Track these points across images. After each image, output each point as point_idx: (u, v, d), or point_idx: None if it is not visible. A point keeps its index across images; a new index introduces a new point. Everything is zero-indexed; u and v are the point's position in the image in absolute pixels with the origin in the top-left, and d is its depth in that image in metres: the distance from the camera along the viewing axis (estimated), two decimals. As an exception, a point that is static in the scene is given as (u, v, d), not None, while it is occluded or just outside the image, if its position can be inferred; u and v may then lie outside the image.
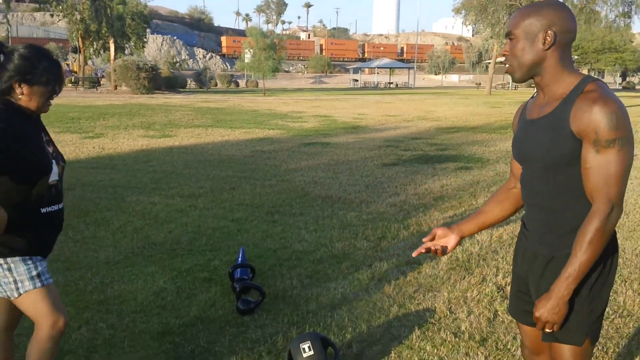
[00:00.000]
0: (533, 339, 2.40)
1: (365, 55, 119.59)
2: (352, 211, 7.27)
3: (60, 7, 49.21)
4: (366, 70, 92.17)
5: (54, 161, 2.74)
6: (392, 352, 3.65)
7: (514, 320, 2.69)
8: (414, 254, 2.37)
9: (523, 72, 2.11)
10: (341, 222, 6.73)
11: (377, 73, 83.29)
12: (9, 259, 2.59)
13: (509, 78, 58.98)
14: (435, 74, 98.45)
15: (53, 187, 2.71)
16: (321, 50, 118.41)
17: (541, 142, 2.08)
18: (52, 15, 59.63)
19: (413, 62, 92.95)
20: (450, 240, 2.43)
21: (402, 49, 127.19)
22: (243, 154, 12.35)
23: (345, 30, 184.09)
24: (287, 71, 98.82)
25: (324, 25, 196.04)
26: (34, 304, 2.65)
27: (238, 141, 14.61)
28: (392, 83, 75.09)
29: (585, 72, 41.67)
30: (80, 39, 50.65)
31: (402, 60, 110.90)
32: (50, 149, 2.76)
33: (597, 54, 50.69)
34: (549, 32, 2.02)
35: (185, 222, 6.75)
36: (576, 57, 51.16)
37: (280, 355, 3.60)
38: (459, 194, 8.37)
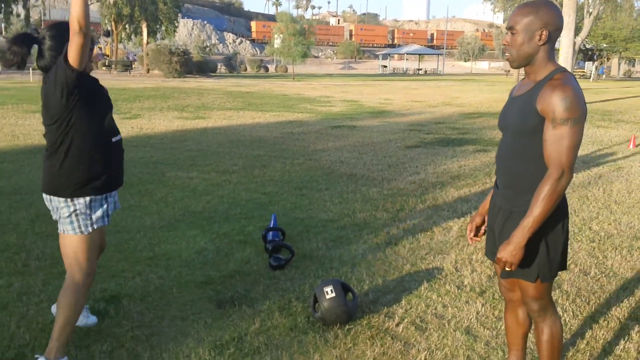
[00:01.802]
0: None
1: (395, 42, 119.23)
2: (374, 187, 7.87)
3: (94, -10, 50.13)
4: (395, 56, 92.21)
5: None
6: (403, 299, 4.26)
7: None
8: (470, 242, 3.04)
9: (520, 62, 2.60)
10: (364, 196, 7.33)
11: (406, 59, 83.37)
12: (81, 199, 3.19)
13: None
14: (465, 61, 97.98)
15: (112, 120, 3.36)
16: (350, 35, 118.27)
17: (515, 115, 2.62)
18: (85, -1, 60.53)
19: (443, 48, 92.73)
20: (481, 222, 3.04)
21: (432, 35, 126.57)
22: (273, 135, 12.99)
23: (375, 16, 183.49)
24: (316, 56, 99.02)
25: (353, 10, 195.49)
26: (83, 243, 3.25)
27: (268, 123, 15.26)
28: (420, 69, 75.15)
29: (615, 60, 41.50)
30: (113, 23, 51.55)
31: (431, 47, 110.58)
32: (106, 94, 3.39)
33: (626, 42, 50.20)
34: (544, 31, 2.50)
35: (221, 194, 7.39)
36: (605, 45, 50.87)
37: (307, 300, 4.22)
38: (474, 173, 8.93)
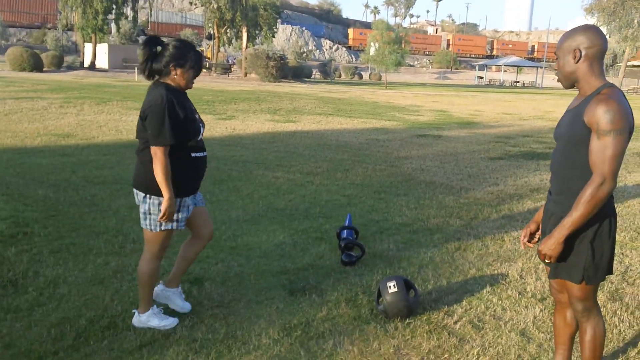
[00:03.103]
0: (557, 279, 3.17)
1: (494, 52, 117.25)
2: (452, 195, 8.06)
3: (199, -5, 52.02)
4: (493, 67, 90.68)
5: (200, 124, 3.83)
6: (464, 300, 4.49)
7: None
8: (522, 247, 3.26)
9: (566, 81, 2.92)
10: (439, 204, 7.55)
11: (504, 71, 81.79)
12: (152, 197, 3.64)
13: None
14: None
15: (198, 142, 3.79)
16: (448, 45, 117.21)
17: (566, 126, 2.89)
18: (190, 3, 62.93)
19: (543, 61, 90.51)
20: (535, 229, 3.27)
21: (533, 47, 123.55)
22: (359, 141, 13.33)
23: (475, 26, 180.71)
24: (411, 65, 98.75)
25: (452, 20, 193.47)
26: (161, 236, 3.74)
27: (355, 130, 15.61)
28: (518, 82, 73.63)
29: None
30: (215, 27, 53.35)
31: (532, 59, 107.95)
32: (197, 116, 3.83)
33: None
34: (577, 50, 2.80)
35: (303, 194, 7.77)
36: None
37: (373, 294, 4.51)
38: (555, 187, 8.92)
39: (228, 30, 53.97)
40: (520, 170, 10.32)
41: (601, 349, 3.04)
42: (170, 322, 3.92)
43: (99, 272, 4.77)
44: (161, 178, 3.51)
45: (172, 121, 3.52)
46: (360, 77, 68.23)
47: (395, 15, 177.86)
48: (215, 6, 51.13)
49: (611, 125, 2.63)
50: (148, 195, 3.65)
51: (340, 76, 67.24)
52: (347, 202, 7.45)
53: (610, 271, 2.92)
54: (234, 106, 20.78)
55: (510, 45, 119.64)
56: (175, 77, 3.65)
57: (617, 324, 4.19)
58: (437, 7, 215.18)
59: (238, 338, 3.78)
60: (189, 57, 3.65)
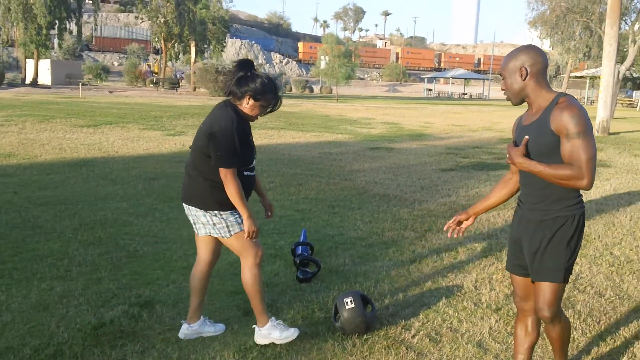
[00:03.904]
0: (522, 287, 3.25)
1: (442, 65, 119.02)
2: (405, 208, 8.07)
3: (145, 9, 51.46)
4: (441, 80, 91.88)
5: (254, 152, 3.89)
6: (421, 313, 4.46)
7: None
8: (446, 231, 3.31)
9: (516, 99, 3.08)
10: (394, 216, 7.53)
11: (452, 83, 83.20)
12: (222, 212, 3.73)
13: (585, 93, 58.37)
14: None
15: (250, 162, 3.85)
16: (397, 58, 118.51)
17: (532, 140, 2.97)
18: (136, 17, 62.23)
19: (489, 73, 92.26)
20: (468, 221, 3.47)
21: (479, 59, 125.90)
22: (311, 154, 13.28)
23: (423, 39, 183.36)
24: (361, 78, 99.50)
25: (401, 34, 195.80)
26: (240, 241, 3.78)
27: (308, 143, 15.57)
28: (466, 94, 74.88)
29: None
30: (162, 41, 52.84)
31: (478, 72, 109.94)
32: (253, 144, 3.86)
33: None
34: (522, 69, 2.97)
35: (257, 210, 7.61)
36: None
37: (329, 311, 4.43)
38: (506, 197, 9.02)
39: (176, 45, 53.51)
40: (471, 181, 10.41)
41: (568, 340, 3.29)
42: (291, 333, 3.88)
43: (44, 298, 4.57)
44: (237, 199, 3.64)
45: (240, 146, 3.62)
46: (311, 90, 68.34)
47: (345, 29, 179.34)
48: (162, 20, 50.66)
49: (579, 128, 2.80)
50: (205, 211, 3.75)
51: (291, 90, 67.25)
52: (301, 217, 7.37)
53: (570, 273, 3.08)
54: (183, 122, 20.54)
55: (458, 58, 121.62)
56: (246, 106, 3.72)
57: (571, 332, 4.21)
58: (385, 21, 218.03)
59: (191, 362, 3.65)
60: (267, 97, 3.73)
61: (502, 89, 3.09)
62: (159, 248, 5.94)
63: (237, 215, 3.76)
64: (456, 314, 4.48)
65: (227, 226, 3.74)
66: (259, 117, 3.81)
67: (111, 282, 4.95)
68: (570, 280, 5.24)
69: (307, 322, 4.24)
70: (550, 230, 2.97)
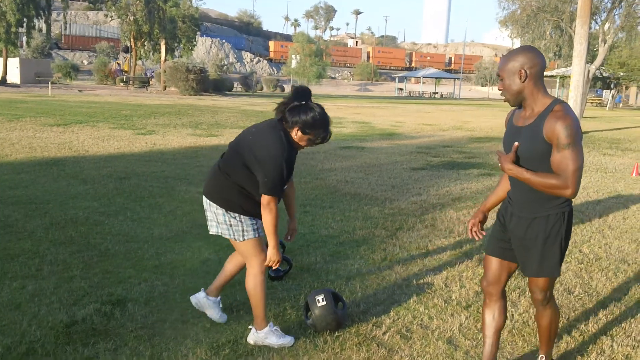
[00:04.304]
0: (495, 271, 3.41)
1: (413, 64, 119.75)
2: (377, 206, 8.14)
3: (114, 7, 50.96)
4: (412, 79, 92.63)
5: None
6: (392, 311, 4.52)
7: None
8: (472, 238, 3.46)
9: (514, 100, 3.12)
10: (365, 215, 7.60)
11: (423, 82, 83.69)
12: (242, 216, 3.78)
13: (555, 92, 59.17)
14: (482, 86, 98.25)
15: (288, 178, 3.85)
16: (368, 57, 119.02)
17: (525, 143, 3.06)
18: (105, 15, 61.59)
19: (460, 72, 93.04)
20: (483, 219, 3.56)
21: (450, 59, 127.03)
22: (283, 154, 13.25)
23: (394, 39, 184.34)
24: (333, 77, 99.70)
25: (372, 33, 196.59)
26: (250, 246, 3.84)
27: (279, 142, 15.54)
28: (437, 93, 75.46)
29: (633, 89, 41.78)
30: (132, 40, 52.39)
31: (449, 71, 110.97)
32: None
33: (643, 71, 50.07)
34: (522, 70, 3.01)
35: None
36: (622, 73, 50.66)
37: (301, 308, 4.48)
38: (475, 196, 9.18)
39: (146, 43, 53.08)
40: (442, 180, 10.53)
41: (556, 332, 3.48)
42: (288, 340, 3.93)
43: (15, 297, 4.54)
44: (271, 229, 3.68)
45: (287, 171, 3.67)
46: (283, 89, 68.23)
47: (316, 28, 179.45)
48: (132, 18, 50.24)
49: (570, 139, 2.89)
50: (225, 211, 3.79)
51: (262, 89, 67.13)
52: (272, 215, 7.38)
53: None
54: (153, 120, 20.42)
55: (429, 58, 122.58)
56: (295, 135, 3.70)
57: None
58: (356, 20, 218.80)
59: (164, 360, 3.67)
60: (315, 132, 3.69)
61: (500, 89, 3.15)
62: (131, 247, 5.93)
63: (254, 222, 3.83)
64: (427, 311, 4.55)
65: (243, 230, 3.79)
66: (304, 147, 3.81)
67: (83, 280, 4.93)
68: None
69: (279, 320, 4.28)
70: (543, 229, 3.12)
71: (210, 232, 3.96)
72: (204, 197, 3.90)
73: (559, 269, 3.19)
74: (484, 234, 3.49)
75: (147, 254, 5.72)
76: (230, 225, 3.79)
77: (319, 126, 3.68)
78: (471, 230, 3.50)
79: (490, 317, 3.46)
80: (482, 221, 3.54)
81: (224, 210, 3.78)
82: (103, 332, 3.99)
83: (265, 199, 3.63)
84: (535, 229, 3.14)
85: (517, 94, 3.07)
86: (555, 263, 3.16)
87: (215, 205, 3.81)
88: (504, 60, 3.09)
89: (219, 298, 4.27)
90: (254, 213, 3.80)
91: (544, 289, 3.27)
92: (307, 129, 3.65)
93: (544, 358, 3.54)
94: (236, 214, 3.76)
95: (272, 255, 3.78)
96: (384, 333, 4.13)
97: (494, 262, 3.40)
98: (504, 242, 3.35)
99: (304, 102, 3.68)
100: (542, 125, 2.96)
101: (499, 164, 3.10)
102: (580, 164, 2.91)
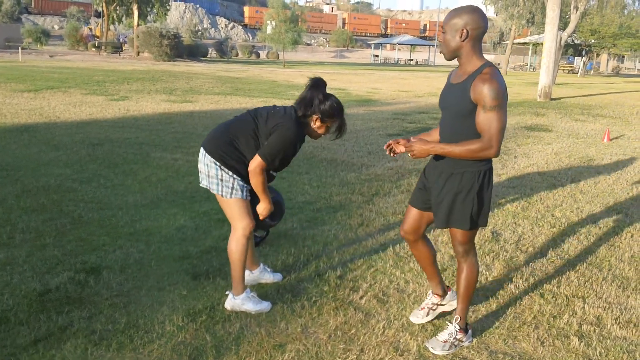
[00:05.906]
0: (413, 221, 3.58)
1: (388, 31, 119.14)
2: (353, 172, 8.13)
3: (86, -29, 49.80)
4: (387, 46, 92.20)
5: None
6: (368, 275, 4.54)
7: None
8: (385, 148, 3.45)
9: (449, 55, 3.19)
10: (341, 181, 7.59)
11: (398, 49, 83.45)
12: (235, 175, 3.79)
13: (528, 60, 59.37)
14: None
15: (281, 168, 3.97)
16: (343, 24, 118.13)
17: (454, 100, 3.17)
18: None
19: (435, 39, 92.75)
20: (403, 148, 3.41)
21: (424, 26, 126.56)
22: (259, 120, 13.15)
23: (369, 5, 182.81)
24: (308, 44, 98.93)
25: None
26: (237, 207, 3.82)
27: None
28: (412, 60, 75.36)
29: (604, 56, 42.13)
30: (104, 4, 51.37)
31: (424, 38, 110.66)
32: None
33: (614, 38, 50.27)
34: (464, 30, 3.06)
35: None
36: (593, 40, 50.94)
37: (279, 274, 4.47)
38: (451, 162, 9.19)
39: (117, 8, 52.09)
40: (417, 146, 10.51)
41: (474, 285, 3.51)
42: (265, 306, 3.96)
43: (-14, 265, 4.47)
44: (260, 190, 3.79)
45: (285, 155, 3.75)
46: (258, 56, 67.64)
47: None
48: (104, -18, 49.20)
49: (495, 102, 2.99)
50: (220, 166, 3.78)
51: (237, 55, 66.46)
52: (248, 182, 7.34)
53: (485, 223, 3.36)
54: (127, 86, 20.10)
55: (404, 24, 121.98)
56: (312, 124, 3.82)
57: (514, 290, 4.37)
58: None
59: (140, 327, 3.64)
60: (334, 120, 3.82)
61: (439, 41, 3.21)
62: (104, 214, 5.85)
63: (245, 184, 3.84)
64: (403, 275, 4.57)
65: (232, 187, 3.79)
66: (322, 136, 3.95)
67: (56, 248, 4.86)
68: (512, 241, 5.45)
69: (256, 286, 4.27)
70: (458, 184, 3.22)
71: (200, 185, 3.95)
72: (201, 149, 3.90)
73: (468, 225, 3.26)
74: (393, 155, 3.41)
75: (122, 221, 5.66)
76: (221, 180, 3.78)
77: (338, 114, 3.82)
78: (388, 145, 3.43)
79: (419, 252, 3.67)
80: (406, 146, 3.34)
81: (219, 164, 3.77)
82: (77, 300, 3.94)
83: (255, 160, 3.68)
84: (450, 184, 3.25)
85: (453, 51, 3.14)
86: (464, 216, 3.25)
87: (210, 157, 3.80)
88: (450, 15, 3.13)
89: (262, 266, 4.40)
90: (247, 180, 3.83)
91: (461, 242, 3.37)
92: (326, 117, 3.78)
93: (459, 319, 3.52)
94: (230, 171, 3.77)
95: (265, 209, 3.93)
96: (361, 297, 4.14)
97: (414, 213, 3.57)
98: (426, 195, 3.48)
99: (321, 94, 3.79)
100: (469, 87, 3.06)
101: (412, 155, 3.24)
102: (503, 125, 3.02)
